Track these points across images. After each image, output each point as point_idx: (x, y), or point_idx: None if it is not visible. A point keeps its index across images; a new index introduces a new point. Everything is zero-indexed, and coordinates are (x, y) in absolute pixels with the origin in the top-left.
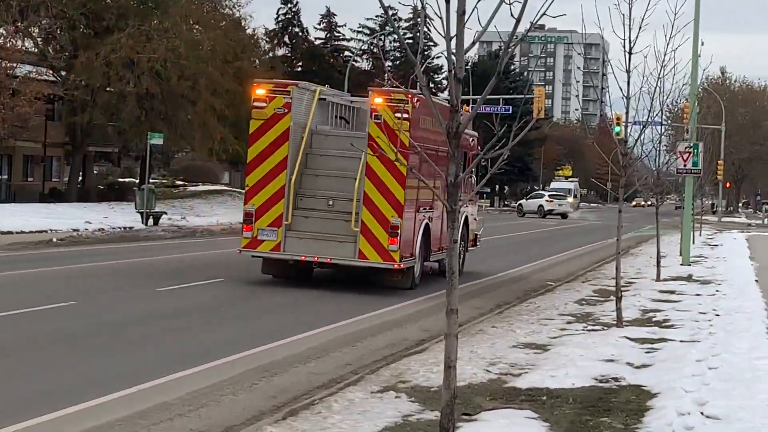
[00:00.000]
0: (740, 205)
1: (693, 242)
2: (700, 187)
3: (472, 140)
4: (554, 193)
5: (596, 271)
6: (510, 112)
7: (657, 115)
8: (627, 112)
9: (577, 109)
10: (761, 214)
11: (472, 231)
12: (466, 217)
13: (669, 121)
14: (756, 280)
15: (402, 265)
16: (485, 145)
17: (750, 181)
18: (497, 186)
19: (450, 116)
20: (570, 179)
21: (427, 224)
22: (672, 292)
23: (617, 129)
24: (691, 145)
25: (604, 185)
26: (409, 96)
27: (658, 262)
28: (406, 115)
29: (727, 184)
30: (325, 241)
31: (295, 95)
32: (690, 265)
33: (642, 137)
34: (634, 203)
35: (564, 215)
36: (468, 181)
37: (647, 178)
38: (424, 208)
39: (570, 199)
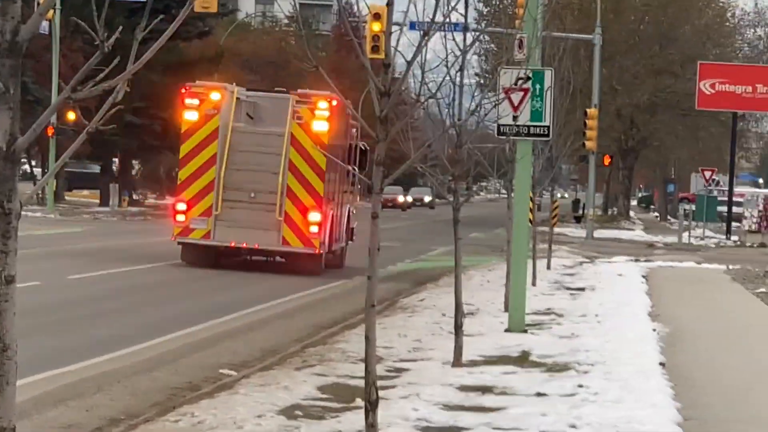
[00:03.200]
0: (635, 203)
1: (533, 283)
2: (549, 166)
3: (353, 129)
4: None
5: (327, 345)
6: None
7: (453, 8)
8: (391, 3)
9: None
10: (674, 222)
11: (350, 224)
12: (349, 211)
13: (482, 25)
14: (662, 364)
15: (321, 251)
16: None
17: (656, 153)
18: (116, 160)
19: None
20: None
21: (332, 216)
22: (485, 390)
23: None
24: (529, 73)
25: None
26: (330, 99)
27: (458, 327)
28: (327, 114)
29: (606, 160)
30: (252, 229)
31: (224, 97)
32: (525, 331)
33: (423, 56)
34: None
35: None
36: (345, 172)
37: (430, 145)
38: (330, 201)
39: None
